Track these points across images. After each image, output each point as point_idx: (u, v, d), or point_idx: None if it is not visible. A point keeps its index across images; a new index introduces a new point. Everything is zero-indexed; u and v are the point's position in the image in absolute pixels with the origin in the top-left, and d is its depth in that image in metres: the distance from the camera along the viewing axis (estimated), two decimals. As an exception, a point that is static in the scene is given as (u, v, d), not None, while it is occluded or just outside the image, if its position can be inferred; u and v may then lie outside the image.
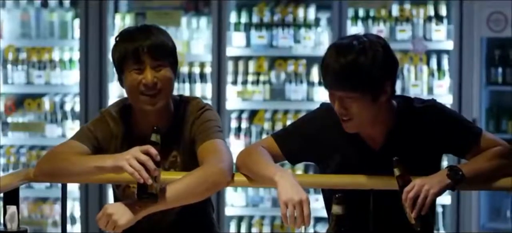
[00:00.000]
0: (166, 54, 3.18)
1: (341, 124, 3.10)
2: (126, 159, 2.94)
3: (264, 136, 6.31)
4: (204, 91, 6.47)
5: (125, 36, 3.20)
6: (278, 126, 6.33)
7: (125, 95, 3.29)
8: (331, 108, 3.13)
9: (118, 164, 2.96)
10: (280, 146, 3.23)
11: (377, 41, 3.06)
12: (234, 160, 3.20)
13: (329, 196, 3.04)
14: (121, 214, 2.93)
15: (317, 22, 6.49)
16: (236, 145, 6.27)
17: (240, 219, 6.59)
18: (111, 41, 5.71)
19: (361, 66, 2.98)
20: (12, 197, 3.16)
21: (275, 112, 6.57)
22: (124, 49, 3.16)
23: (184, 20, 6.55)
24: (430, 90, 6.39)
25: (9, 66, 6.63)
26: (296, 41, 6.45)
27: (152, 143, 2.97)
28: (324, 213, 3.34)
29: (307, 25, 6.46)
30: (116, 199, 3.41)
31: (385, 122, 3.13)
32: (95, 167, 3.05)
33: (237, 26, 6.48)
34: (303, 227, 2.90)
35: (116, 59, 3.20)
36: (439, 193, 2.97)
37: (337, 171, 3.18)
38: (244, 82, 6.49)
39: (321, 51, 6.38)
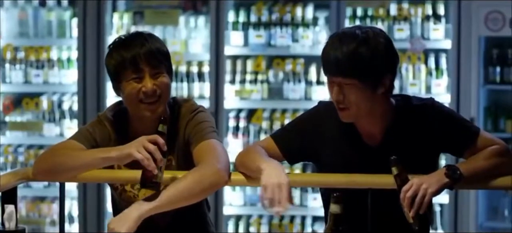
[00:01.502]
0: (162, 60, 3.18)
1: (339, 122, 3.10)
2: (135, 147, 2.94)
3: (262, 135, 6.31)
4: (202, 90, 6.46)
5: (120, 44, 3.18)
6: (276, 125, 6.32)
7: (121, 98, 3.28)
8: (329, 106, 3.14)
9: (127, 151, 2.96)
10: (279, 146, 3.22)
11: (380, 33, 3.09)
12: (232, 160, 3.20)
13: (327, 195, 3.04)
14: (121, 224, 2.91)
15: (315, 21, 6.49)
16: (234, 144, 6.26)
17: (238, 218, 6.58)
18: (109, 40, 5.70)
19: (362, 54, 3.00)
20: (10, 196, 3.16)
21: (273, 111, 6.57)
22: (121, 58, 3.15)
23: (182, 19, 6.55)
24: (428, 89, 6.39)
25: (7, 65, 6.63)
26: (294, 40, 6.45)
27: (159, 133, 2.99)
28: (322, 212, 3.34)
29: (305, 24, 6.46)
30: (113, 203, 3.43)
31: (382, 119, 3.13)
32: (100, 158, 3.04)
33: (235, 25, 6.47)
34: (284, 215, 2.87)
35: (112, 68, 3.18)
36: (437, 192, 2.97)
37: (335, 169, 3.17)
38: (242, 81, 6.48)
39: (319, 50, 6.35)
